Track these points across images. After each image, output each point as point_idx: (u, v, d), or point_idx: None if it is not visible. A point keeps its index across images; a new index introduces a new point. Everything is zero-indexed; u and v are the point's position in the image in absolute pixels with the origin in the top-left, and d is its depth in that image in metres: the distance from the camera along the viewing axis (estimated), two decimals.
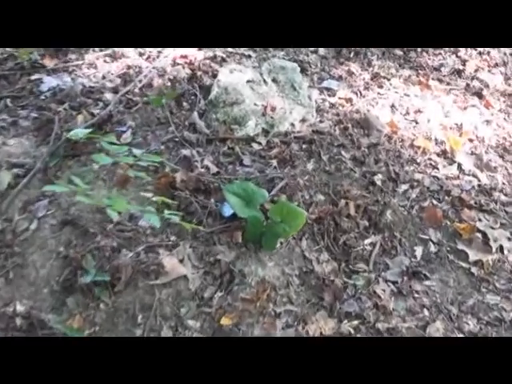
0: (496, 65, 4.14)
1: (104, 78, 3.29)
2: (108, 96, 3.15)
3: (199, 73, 3.22)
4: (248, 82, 3.08)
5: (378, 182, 2.82)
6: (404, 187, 2.86)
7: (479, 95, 3.76)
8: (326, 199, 2.73)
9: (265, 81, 3.12)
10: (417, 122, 3.35)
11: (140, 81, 3.20)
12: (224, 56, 3.44)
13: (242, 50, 3.51)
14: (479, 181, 2.99)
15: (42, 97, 3.17)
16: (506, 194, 2.96)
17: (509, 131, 3.48)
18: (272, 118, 2.99)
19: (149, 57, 3.42)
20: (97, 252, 2.43)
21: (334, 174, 2.86)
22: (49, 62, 3.41)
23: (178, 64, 3.34)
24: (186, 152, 2.81)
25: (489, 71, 4.02)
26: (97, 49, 3.51)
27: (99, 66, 3.40)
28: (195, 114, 2.96)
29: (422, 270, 2.51)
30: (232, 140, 2.90)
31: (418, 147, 3.15)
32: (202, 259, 2.44)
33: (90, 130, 2.83)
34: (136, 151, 2.40)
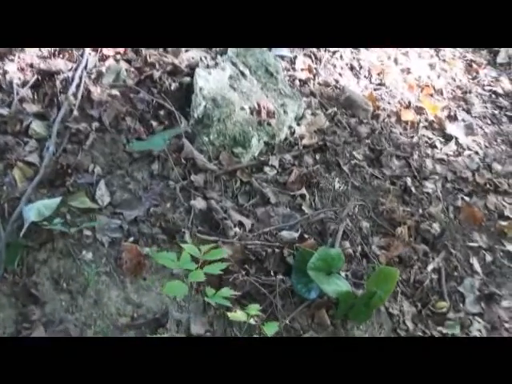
0: None
1: (9, 93, 2.24)
2: (37, 127, 2.17)
3: (156, 73, 2.35)
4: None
5: (412, 188, 2.49)
6: (429, 185, 2.57)
7: None
8: (373, 226, 2.32)
9: (242, 73, 2.42)
10: (384, 85, 2.99)
11: (74, 95, 2.24)
12: None
13: None
14: (477, 153, 2.83)
15: None
16: (498, 162, 2.84)
17: (451, 75, 3.30)
18: (269, 124, 2.36)
19: (61, 51, 2.38)
20: None
21: (364, 188, 2.44)
22: None
23: (107, 57, 2.41)
24: (199, 204, 2.10)
25: None
26: None
27: None
28: (186, 142, 2.19)
29: (492, 290, 2.33)
30: (242, 171, 2.24)
31: (406, 122, 2.83)
32: None
33: (55, 200, 1.95)
34: (188, 248, 1.71)
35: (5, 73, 2.29)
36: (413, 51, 3.30)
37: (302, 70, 2.82)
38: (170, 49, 2.46)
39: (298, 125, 2.50)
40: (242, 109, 2.34)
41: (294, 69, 2.80)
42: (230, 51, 2.47)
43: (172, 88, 2.34)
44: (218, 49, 2.54)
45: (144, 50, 2.45)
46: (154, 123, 2.27)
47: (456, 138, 2.82)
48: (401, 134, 2.76)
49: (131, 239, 2.00)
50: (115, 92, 2.29)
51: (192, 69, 2.40)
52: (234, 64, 2.42)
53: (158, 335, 1.84)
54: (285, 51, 2.87)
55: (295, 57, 2.87)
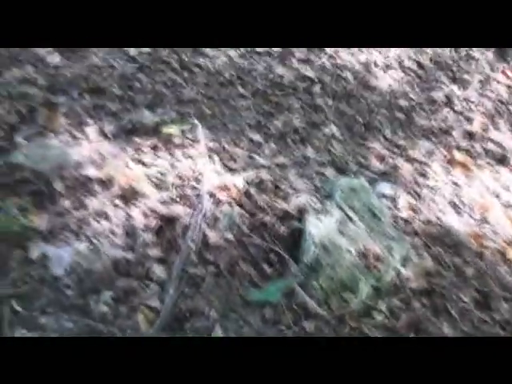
0: (492, 116, 3.89)
1: (134, 237, 2.42)
2: (158, 271, 2.32)
3: (267, 218, 2.49)
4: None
5: None
6: None
7: (502, 161, 3.51)
8: None
9: (349, 217, 2.51)
10: (487, 222, 2.99)
11: (193, 240, 2.39)
12: (271, 178, 2.73)
13: (290, 168, 2.83)
14: None
15: (63, 287, 2.24)
16: None
17: None
18: (376, 268, 2.41)
19: (182, 198, 2.58)
20: None
21: (473, 333, 2.39)
22: (40, 222, 2.43)
23: (221, 201, 2.58)
24: None
25: (495, 128, 3.77)
26: (99, 188, 2.58)
27: (113, 216, 2.51)
28: (297, 288, 2.27)
29: None
30: (351, 315, 2.29)
31: (510, 261, 2.81)
32: None
33: None
34: None
35: (130, 217, 2.50)
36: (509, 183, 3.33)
37: (405, 208, 2.89)
38: (280, 193, 2.61)
39: (404, 267, 2.53)
40: (350, 253, 2.41)
41: (396, 208, 2.88)
42: (337, 195, 2.59)
43: (283, 233, 2.46)
44: (325, 193, 2.67)
45: (256, 195, 2.61)
46: (267, 268, 2.37)
47: None
48: (507, 273, 2.74)
49: None
50: (230, 237, 2.43)
51: (301, 213, 2.53)
52: (341, 208, 2.53)
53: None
54: (387, 189, 2.97)
55: (397, 195, 2.95)
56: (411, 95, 3.81)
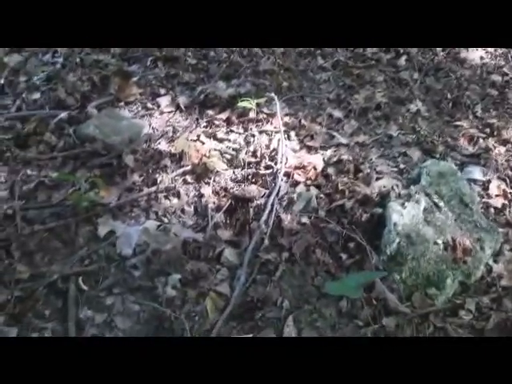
0: None
1: (204, 217, 2.30)
2: (229, 255, 2.21)
3: (347, 202, 2.31)
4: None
5: None
6: None
7: None
8: None
9: (436, 205, 2.30)
10: None
11: (265, 222, 2.25)
12: (350, 158, 2.55)
13: (372, 147, 2.64)
14: None
15: (131, 268, 2.15)
16: None
17: None
18: (465, 262, 2.20)
19: (255, 176, 2.44)
20: None
21: None
22: (109, 197, 2.34)
23: (298, 182, 2.42)
24: None
25: None
26: (168, 162, 2.47)
27: (182, 192, 2.40)
28: (378, 281, 2.10)
29: None
30: (436, 314, 2.09)
31: None
32: None
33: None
34: None
35: (201, 196, 2.38)
36: None
37: (497, 195, 2.64)
38: (360, 176, 2.43)
39: (496, 262, 2.31)
40: (436, 244, 2.21)
41: (487, 195, 2.63)
42: (424, 180, 2.38)
43: (362, 219, 2.28)
44: (409, 176, 2.47)
45: (334, 176, 2.43)
46: (344, 256, 2.21)
47: None
48: None
49: None
50: (305, 221, 2.28)
51: (383, 198, 2.34)
52: (427, 195, 2.32)
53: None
54: (477, 174, 2.73)
55: (488, 181, 2.70)
56: (505, 69, 3.48)
